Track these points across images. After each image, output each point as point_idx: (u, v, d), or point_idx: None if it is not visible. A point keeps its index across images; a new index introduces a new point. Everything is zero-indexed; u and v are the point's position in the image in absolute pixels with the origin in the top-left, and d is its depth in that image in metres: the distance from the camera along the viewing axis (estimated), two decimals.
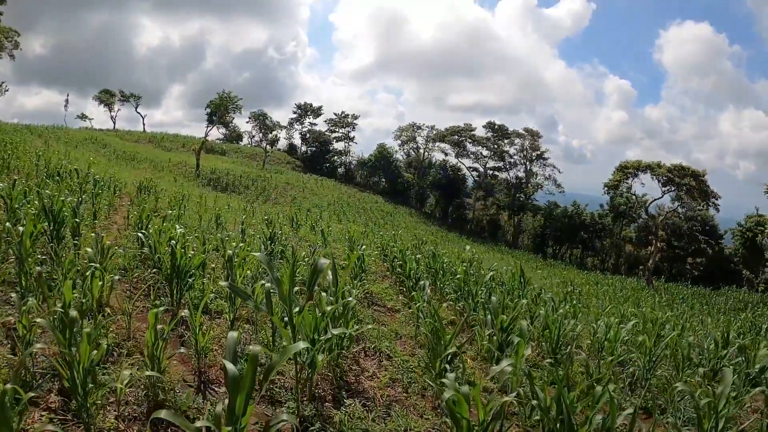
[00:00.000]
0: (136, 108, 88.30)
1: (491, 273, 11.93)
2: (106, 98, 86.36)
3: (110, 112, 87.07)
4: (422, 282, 9.53)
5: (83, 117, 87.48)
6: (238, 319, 7.26)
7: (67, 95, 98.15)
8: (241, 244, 9.74)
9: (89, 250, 6.07)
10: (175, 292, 7.10)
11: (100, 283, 6.10)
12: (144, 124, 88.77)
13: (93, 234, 7.38)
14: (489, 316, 7.69)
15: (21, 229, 7.83)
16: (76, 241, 8.56)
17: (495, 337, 7.16)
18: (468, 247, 13.62)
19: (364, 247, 13.17)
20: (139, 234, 7.96)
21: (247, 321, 7.31)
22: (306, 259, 10.85)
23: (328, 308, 4.84)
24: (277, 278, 4.22)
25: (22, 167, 19.52)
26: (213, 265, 9.43)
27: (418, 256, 13.96)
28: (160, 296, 7.65)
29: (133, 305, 7.11)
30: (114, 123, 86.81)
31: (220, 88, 64.06)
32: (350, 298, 5.96)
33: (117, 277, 6.31)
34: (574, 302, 13.38)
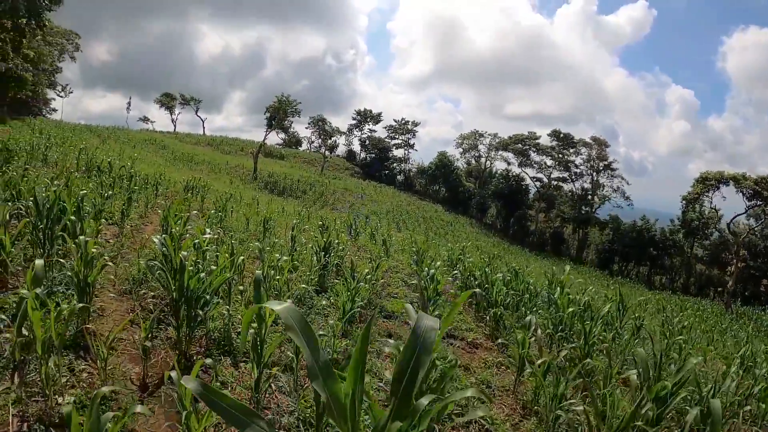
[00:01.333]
0: (196, 111, 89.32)
1: (608, 306, 9.41)
2: (167, 101, 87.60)
3: (171, 115, 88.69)
4: (529, 318, 7.14)
5: (145, 120, 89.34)
6: (272, 365, 5.15)
7: (129, 98, 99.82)
8: (284, 258, 7.61)
9: (39, 262, 3.95)
10: (183, 325, 4.99)
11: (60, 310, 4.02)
12: (204, 128, 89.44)
13: (81, 238, 5.37)
14: (635, 374, 5.30)
15: None
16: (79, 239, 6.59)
17: (650, 411, 4.80)
18: (567, 268, 11.17)
19: (438, 263, 10.91)
20: (155, 239, 5.94)
21: (286, 368, 5.16)
22: (368, 277, 8.63)
23: (425, 401, 2.43)
24: (326, 363, 1.90)
25: (61, 161, 18.10)
26: (242, 287, 7.31)
27: (505, 276, 11.57)
28: (168, 324, 5.58)
29: (122, 336, 5.13)
30: (174, 126, 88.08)
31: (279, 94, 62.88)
32: (469, 393, 2.85)
33: (79, 304, 4.21)
34: (696, 341, 10.83)
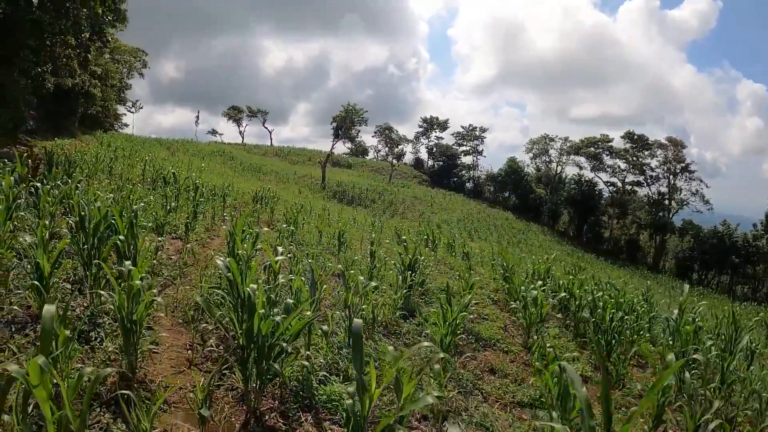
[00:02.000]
0: (263, 123, 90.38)
1: (747, 336, 7.74)
2: (234, 114, 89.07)
3: (238, 127, 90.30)
4: (670, 357, 5.67)
5: (214, 132, 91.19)
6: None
7: (198, 112, 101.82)
8: (372, 284, 6.43)
9: (49, 309, 2.78)
10: (251, 377, 3.88)
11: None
12: (271, 139, 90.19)
13: (127, 263, 4.36)
14: None
15: (28, 239, 5.12)
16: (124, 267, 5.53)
17: None
18: (687, 288, 9.65)
19: (539, 283, 9.53)
20: (218, 261, 4.88)
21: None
22: (469, 304, 7.26)
23: None
24: None
25: (127, 173, 17.56)
26: (325, 325, 6.11)
27: (606, 295, 10.05)
28: (232, 369, 4.47)
29: (176, 382, 4.08)
30: (242, 138, 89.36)
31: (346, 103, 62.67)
32: None
33: (108, 369, 3.04)
34: None
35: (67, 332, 3.62)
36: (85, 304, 5.35)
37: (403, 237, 13.33)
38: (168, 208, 10.11)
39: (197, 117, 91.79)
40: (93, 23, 22.90)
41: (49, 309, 2.71)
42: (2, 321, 4.63)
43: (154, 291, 4.22)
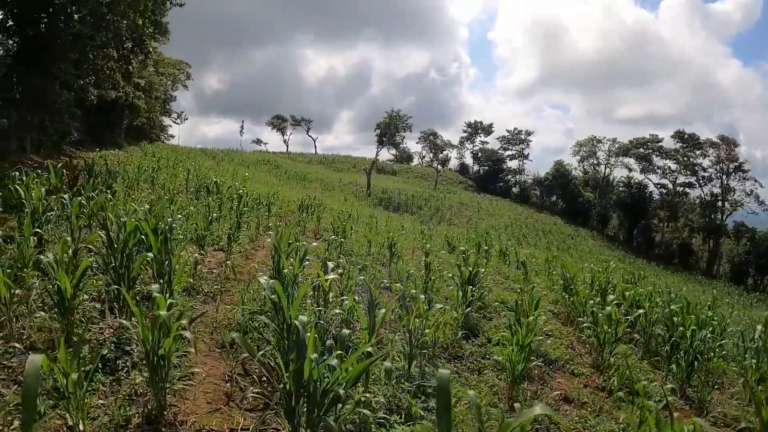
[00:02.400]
0: (307, 131, 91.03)
1: None
2: (278, 123, 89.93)
3: (283, 136, 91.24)
4: None
5: (258, 142, 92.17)
6: None
7: (242, 122, 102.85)
8: (437, 305, 5.72)
9: (35, 360, 2.08)
10: (300, 425, 3.20)
11: None
12: (315, 147, 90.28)
13: (155, 287, 3.76)
14: None
15: (50, 256, 4.60)
16: (161, 288, 4.88)
17: None
18: None
19: (611, 297, 8.63)
20: (261, 280, 4.27)
21: None
22: (530, 319, 6.47)
23: None
24: None
25: (170, 182, 17.23)
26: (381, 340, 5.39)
27: (681, 310, 8.97)
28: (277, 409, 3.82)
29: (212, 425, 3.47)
30: (287, 146, 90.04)
31: (390, 109, 62.43)
32: None
33: None
34: None
35: (75, 376, 3.01)
36: (114, 326, 4.80)
37: (461, 248, 12.51)
38: (210, 218, 9.56)
39: (242, 127, 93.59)
40: (134, 35, 23.01)
41: (33, 361, 2.02)
42: (21, 346, 4.07)
43: (184, 322, 3.55)
